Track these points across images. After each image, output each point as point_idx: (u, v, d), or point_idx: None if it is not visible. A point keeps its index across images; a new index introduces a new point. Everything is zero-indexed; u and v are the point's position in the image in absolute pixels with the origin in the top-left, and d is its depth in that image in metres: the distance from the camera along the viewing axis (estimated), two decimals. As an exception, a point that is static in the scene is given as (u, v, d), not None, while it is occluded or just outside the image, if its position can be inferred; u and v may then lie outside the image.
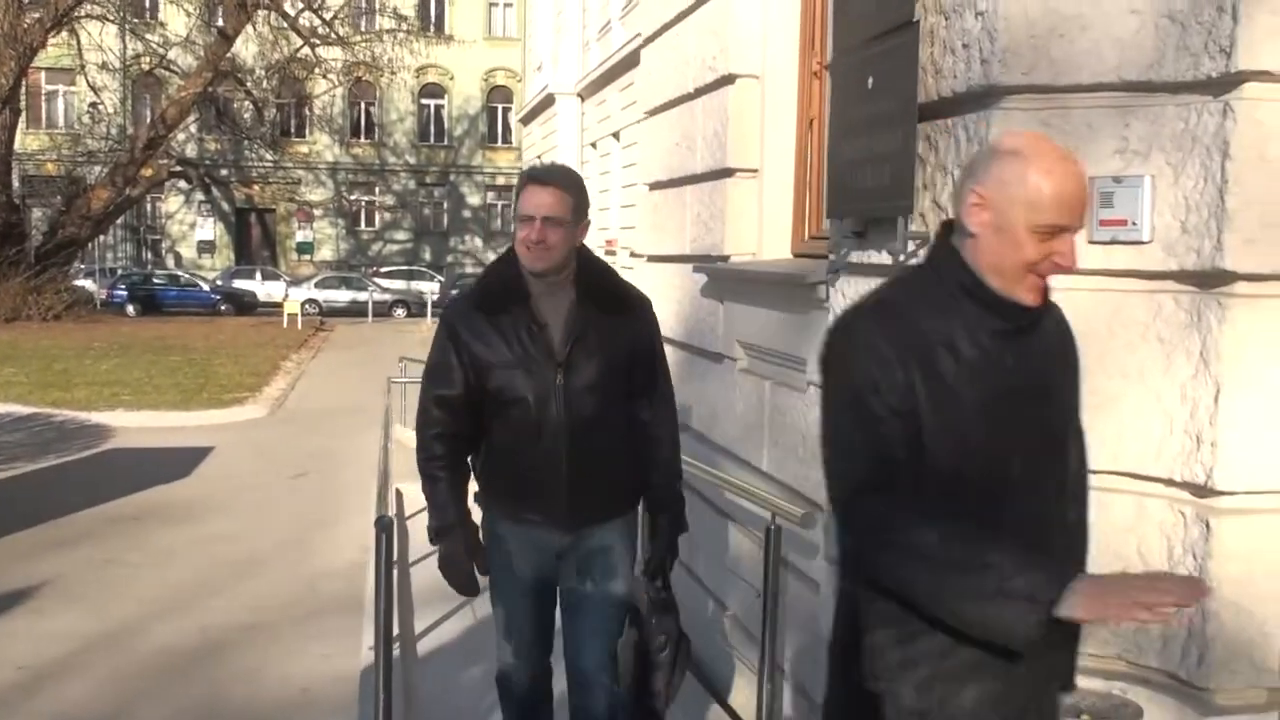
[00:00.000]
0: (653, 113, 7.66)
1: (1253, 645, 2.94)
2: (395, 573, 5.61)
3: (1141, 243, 3.06)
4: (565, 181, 3.44)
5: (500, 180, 47.65)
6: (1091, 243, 3.13)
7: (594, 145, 26.20)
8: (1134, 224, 3.06)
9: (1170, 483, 3.05)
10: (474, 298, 3.56)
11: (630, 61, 21.03)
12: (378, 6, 32.81)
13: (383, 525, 4.31)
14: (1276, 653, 2.94)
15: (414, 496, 9.35)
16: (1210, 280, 2.95)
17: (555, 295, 3.49)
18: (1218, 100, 2.92)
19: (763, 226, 6.00)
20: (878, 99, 3.71)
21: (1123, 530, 3.12)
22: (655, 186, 7.60)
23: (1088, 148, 3.12)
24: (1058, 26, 3.13)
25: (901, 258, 3.65)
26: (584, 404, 3.47)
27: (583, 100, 26.89)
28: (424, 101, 47.57)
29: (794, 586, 4.66)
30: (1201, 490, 2.97)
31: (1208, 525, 2.95)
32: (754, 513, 5.01)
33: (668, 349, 7.12)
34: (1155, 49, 3.03)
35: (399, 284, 39.55)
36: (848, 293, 4.10)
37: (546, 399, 3.44)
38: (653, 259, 7.64)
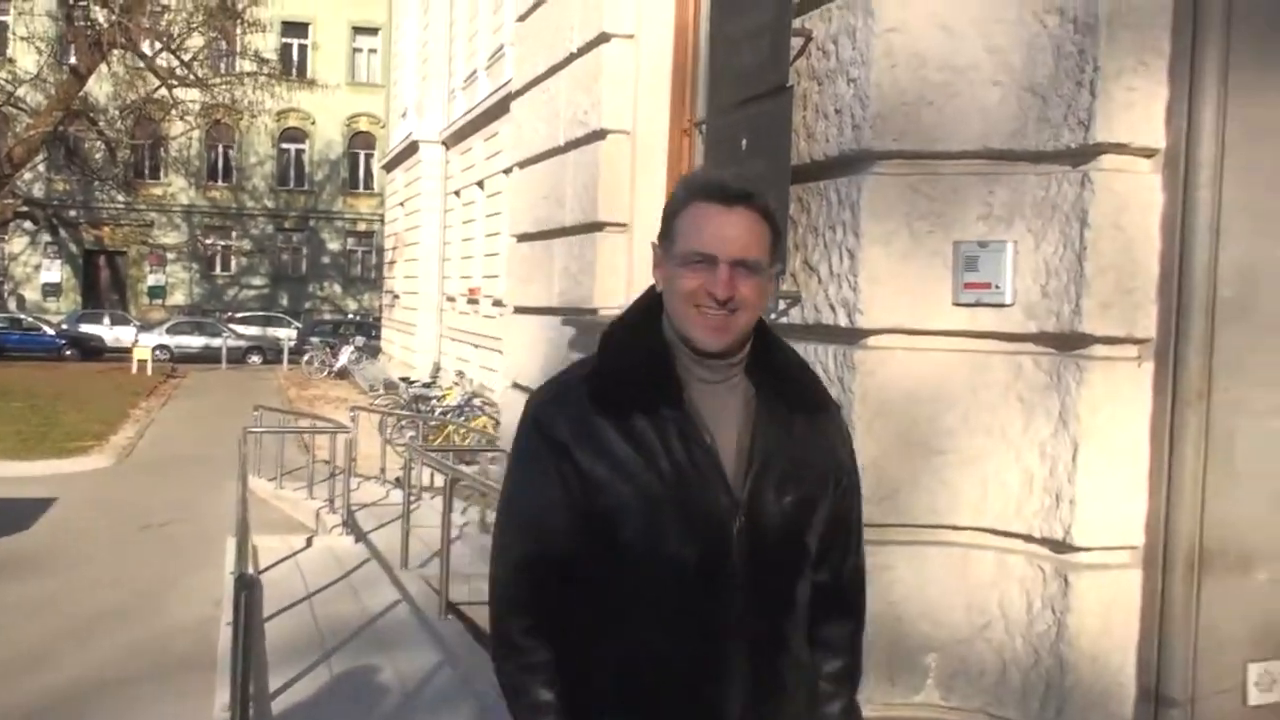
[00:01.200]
0: (522, 165, 7.67)
1: (1108, 695, 3.03)
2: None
3: (1004, 305, 3.16)
4: (762, 203, 1.99)
5: (361, 226, 47.10)
6: (956, 305, 3.22)
7: (458, 193, 26.14)
8: (997, 287, 3.16)
9: (1030, 539, 3.14)
10: (593, 385, 2.00)
11: (495, 111, 21.10)
12: (239, 49, 32.31)
13: (244, 584, 4.15)
14: (1131, 702, 3.03)
15: (269, 549, 9.16)
16: (1069, 343, 3.05)
17: (719, 387, 2.03)
18: (1077, 170, 3.04)
19: (632, 280, 6.04)
20: (751, 160, 3.77)
21: (985, 586, 3.20)
22: (523, 238, 7.60)
23: (954, 212, 3.22)
24: (927, 95, 3.23)
25: (772, 316, 3.70)
26: (776, 571, 2.04)
27: (447, 148, 26.84)
28: (284, 145, 46.86)
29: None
30: (1060, 546, 3.06)
31: (1066, 580, 3.04)
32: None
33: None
34: (1018, 119, 3.14)
35: (255, 330, 38.72)
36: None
37: (719, 562, 1.98)
38: (520, 310, 7.61)
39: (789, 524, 2.04)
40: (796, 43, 3.60)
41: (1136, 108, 2.97)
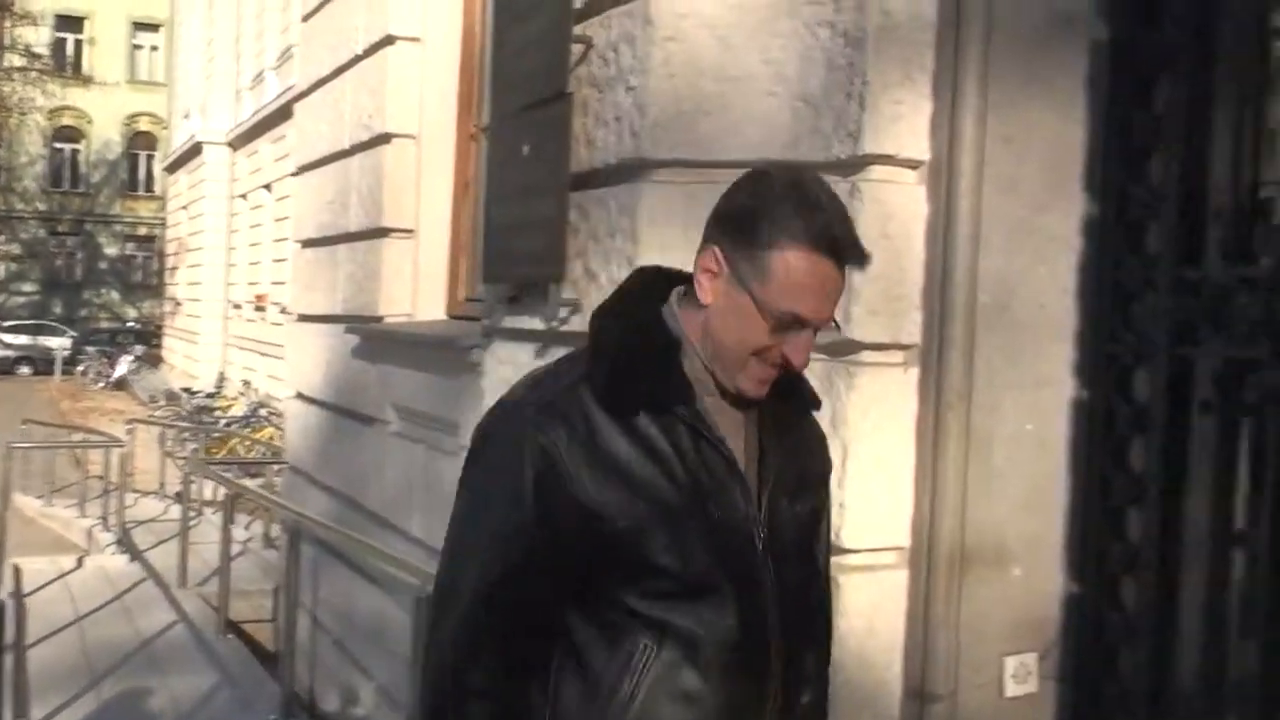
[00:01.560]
0: (305, 168, 7.49)
1: (876, 694, 3.10)
2: (11, 657, 5.15)
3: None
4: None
5: (142, 230, 45.26)
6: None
7: (244, 196, 25.41)
8: (772, 293, 3.20)
9: (805, 541, 3.20)
10: (599, 387, 1.73)
11: (284, 113, 20.57)
12: (7, 42, 30.67)
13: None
14: (897, 699, 3.11)
15: (36, 571, 8.66)
16: (840, 349, 3.12)
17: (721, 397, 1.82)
18: (847, 180, 3.10)
19: (417, 287, 5.96)
20: (532, 166, 3.75)
21: (762, 588, 3.25)
22: (308, 244, 7.42)
23: (730, 220, 3.25)
24: (703, 104, 3.26)
25: (554, 323, 3.69)
26: (797, 592, 1.84)
27: (234, 150, 26.08)
28: (58, 145, 44.65)
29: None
30: (832, 549, 3.12)
31: (836, 582, 3.10)
32: (405, 581, 4.90)
33: (317, 411, 6.99)
34: (792, 130, 3.20)
35: (24, 339, 36.75)
36: (501, 357, 4.11)
37: (753, 583, 1.76)
38: (304, 318, 7.43)
39: (803, 536, 1.86)
40: (577, 49, 3.60)
41: (902, 120, 3.06)
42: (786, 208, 1.72)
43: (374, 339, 6.00)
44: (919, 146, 3.08)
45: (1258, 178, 2.79)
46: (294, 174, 7.79)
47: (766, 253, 1.69)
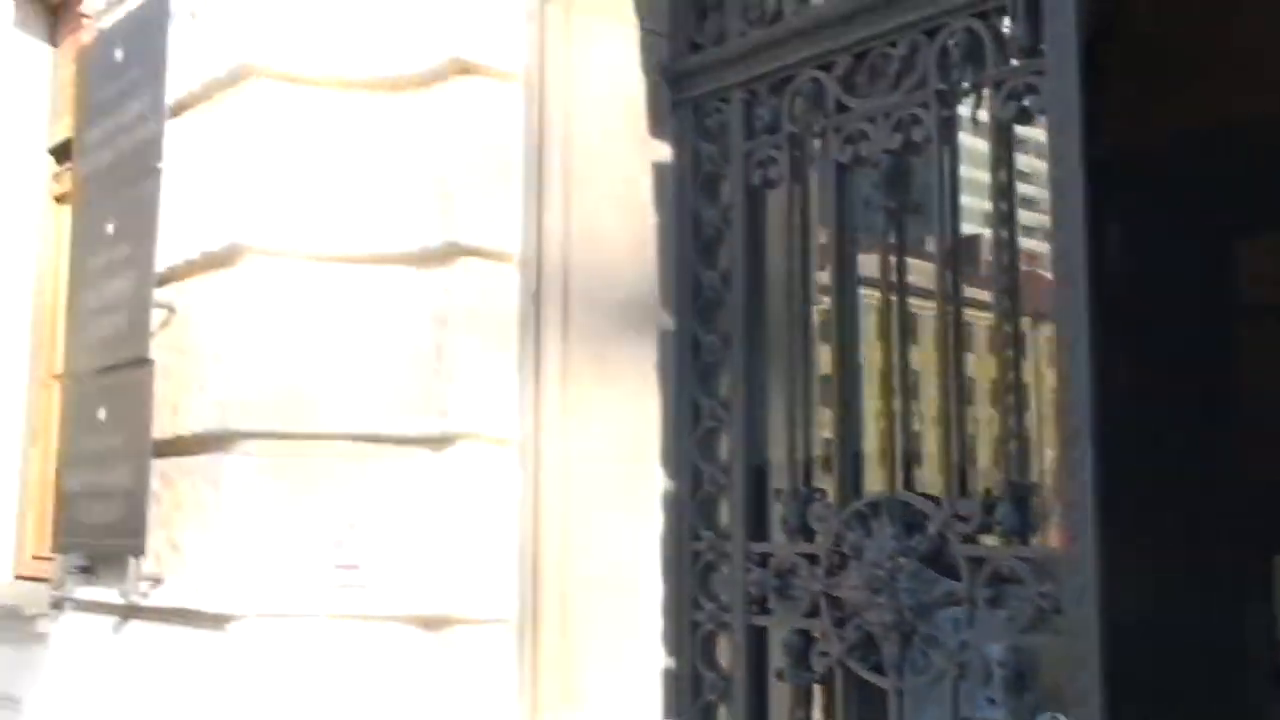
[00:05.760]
0: None
1: None
2: None
3: (371, 587, 3.19)
4: None
5: None
6: (324, 586, 3.20)
7: None
8: (364, 569, 3.19)
9: None
10: None
11: None
12: None
13: None
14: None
15: None
16: (435, 624, 3.12)
17: None
18: (438, 454, 3.17)
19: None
20: (110, 432, 3.60)
21: None
22: None
23: (319, 494, 3.23)
24: (293, 377, 3.25)
25: (134, 597, 3.49)
26: None
27: None
28: None
29: None
30: None
31: None
32: None
33: None
34: (384, 404, 3.24)
35: None
36: (74, 630, 3.84)
37: None
38: None
39: None
40: (160, 314, 3.52)
41: (490, 399, 3.18)
42: None
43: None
44: (506, 424, 3.20)
45: (810, 460, 3.07)
46: None
47: None
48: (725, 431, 3.26)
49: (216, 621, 3.22)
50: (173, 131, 3.47)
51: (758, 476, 3.19)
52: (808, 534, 3.01)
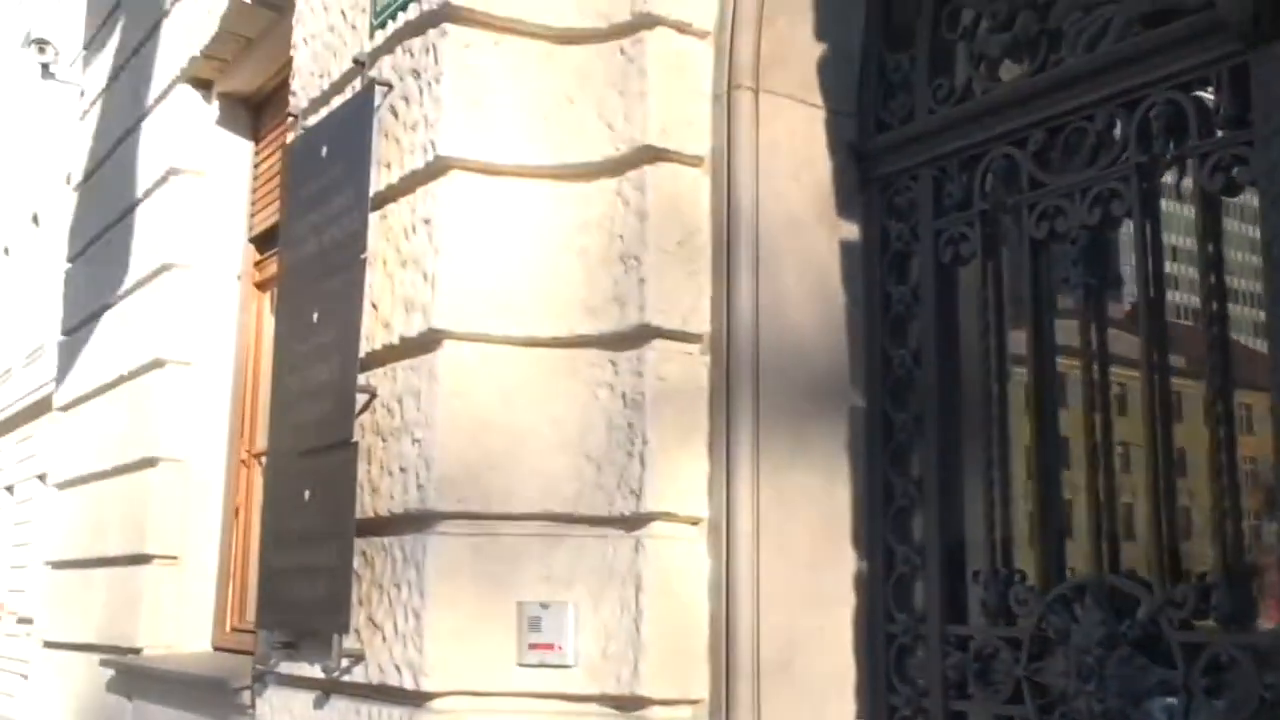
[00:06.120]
0: (63, 486, 7.18)
1: None
2: None
3: (567, 667, 3.22)
4: None
5: None
6: (521, 665, 3.25)
7: (-17, 498, 24.02)
8: (560, 648, 3.23)
9: None
10: None
11: (32, 412, 19.76)
12: None
13: None
14: None
15: None
16: (629, 704, 3.14)
17: None
18: (630, 535, 3.21)
19: (182, 617, 5.70)
20: (314, 512, 3.73)
21: None
22: (61, 565, 7.04)
23: (517, 573, 3.29)
24: (488, 459, 3.33)
25: (335, 674, 3.59)
26: None
27: (-27, 449, 24.77)
28: None
29: None
30: None
31: None
32: None
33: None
34: (575, 485, 3.30)
35: None
36: (276, 704, 3.96)
37: None
38: (51, 645, 6.97)
39: None
40: (361, 398, 3.65)
41: (682, 479, 3.20)
42: None
43: (131, 673, 5.67)
44: (698, 504, 3.22)
45: (1010, 539, 3.01)
46: (42, 477, 7.46)
47: None
48: (918, 511, 3.21)
49: (417, 699, 3.29)
50: (372, 223, 3.62)
51: (953, 557, 3.13)
52: (1009, 617, 2.94)
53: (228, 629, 5.55)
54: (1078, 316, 2.89)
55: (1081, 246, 2.82)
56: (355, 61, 3.74)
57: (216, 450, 5.80)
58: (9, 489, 21.56)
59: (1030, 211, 2.94)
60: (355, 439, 3.61)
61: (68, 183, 17.66)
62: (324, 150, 3.84)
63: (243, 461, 5.68)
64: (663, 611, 3.15)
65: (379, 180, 3.61)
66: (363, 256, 3.54)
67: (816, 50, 3.38)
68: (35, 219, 21.84)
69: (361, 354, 3.64)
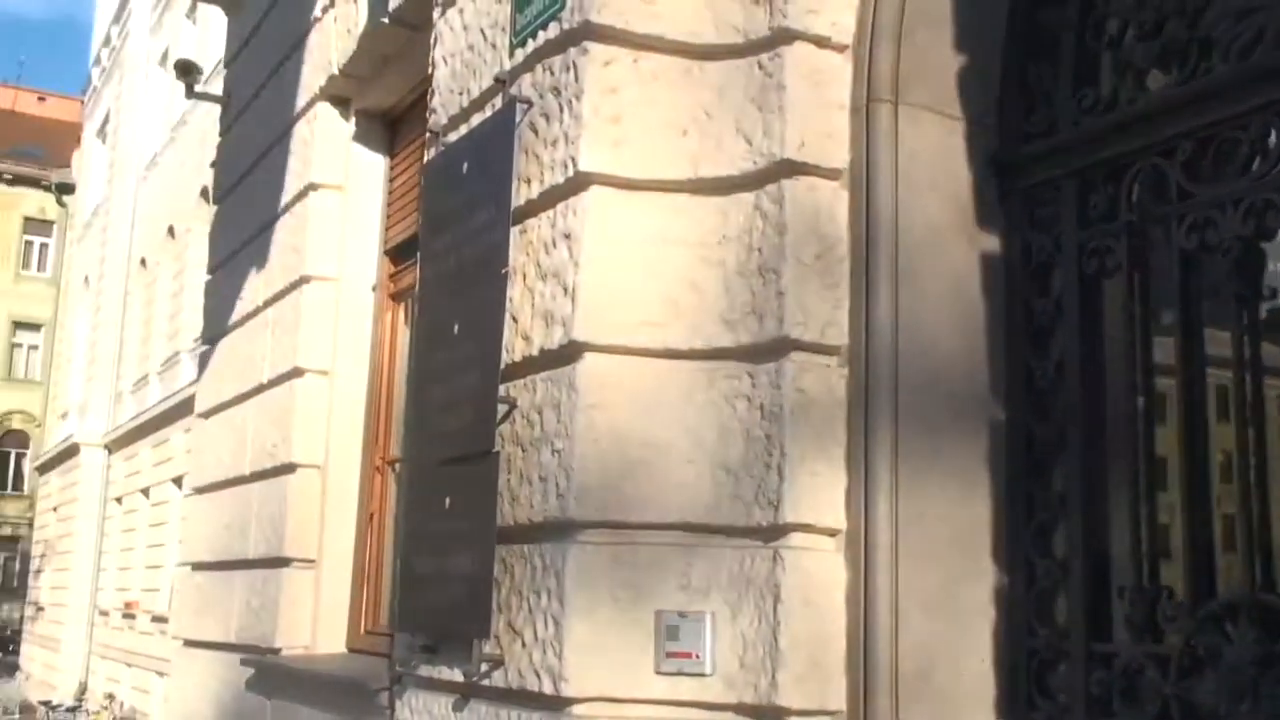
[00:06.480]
0: (201, 490, 7.42)
1: None
2: None
3: (704, 675, 3.25)
4: None
5: (6, 530, 43.59)
6: (658, 673, 3.29)
7: (119, 500, 24.81)
8: (698, 657, 3.26)
9: None
10: None
11: (168, 417, 20.41)
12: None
13: None
14: None
15: None
16: (767, 714, 3.16)
17: None
18: (768, 547, 3.22)
19: (318, 619, 5.86)
20: (455, 518, 3.81)
21: None
22: (199, 567, 7.27)
23: (655, 582, 3.33)
24: (627, 469, 3.38)
25: (474, 678, 3.66)
26: None
27: (110, 453, 25.63)
28: (-77, 440, 43.42)
29: None
30: None
31: None
32: None
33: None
34: (713, 495, 3.33)
35: None
36: (415, 706, 4.05)
37: None
38: (191, 644, 7.20)
39: None
40: (501, 409, 3.72)
41: (820, 491, 3.21)
42: None
43: (270, 673, 5.84)
44: (835, 516, 3.23)
45: (1156, 554, 2.96)
46: (177, 481, 7.72)
47: None
48: (1060, 525, 3.18)
49: (556, 704, 3.35)
50: (512, 237, 3.69)
51: (1097, 571, 3.10)
52: (1156, 633, 2.90)
53: (362, 631, 5.69)
54: (1228, 328, 2.84)
55: (1235, 257, 2.78)
56: (497, 80, 3.83)
57: (351, 457, 5.95)
58: (145, 492, 22.27)
59: (1180, 223, 2.90)
60: (496, 449, 3.68)
61: (203, 197, 18.28)
62: (465, 166, 3.93)
63: (376, 468, 5.82)
64: (801, 622, 3.16)
65: (519, 195, 3.68)
66: (504, 271, 3.62)
67: (956, 62, 3.37)
68: (171, 231, 22.59)
69: (501, 365, 3.72)
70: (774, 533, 3.22)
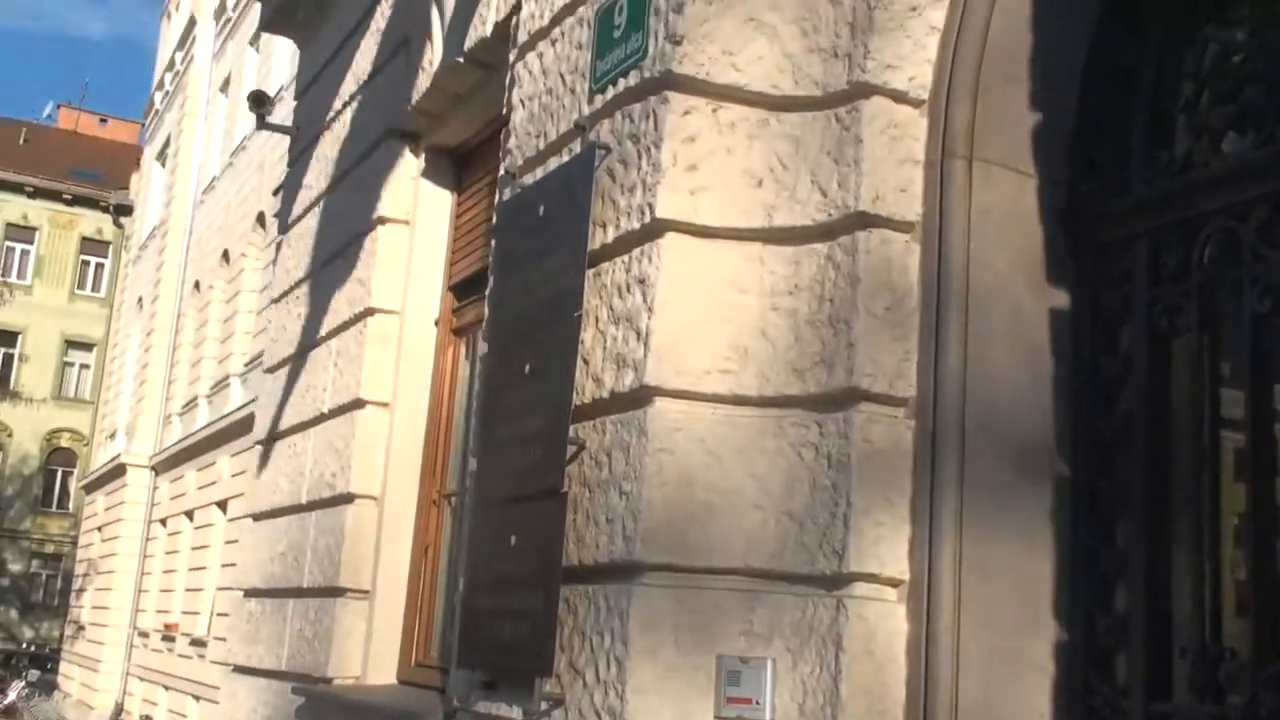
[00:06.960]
0: (258, 518, 7.51)
1: None
2: None
3: (764, 720, 3.28)
4: None
5: (49, 548, 44.01)
6: (719, 718, 3.32)
7: (164, 522, 25.04)
8: (758, 703, 3.28)
9: None
10: None
11: (214, 441, 20.62)
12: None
13: None
14: None
15: None
16: (827, 761, 3.18)
17: None
18: (831, 595, 3.25)
19: (369, 650, 5.91)
20: (519, 556, 3.86)
21: None
22: (252, 594, 7.35)
23: (717, 627, 3.36)
24: (693, 513, 3.42)
25: (534, 716, 3.70)
26: None
27: (157, 474, 25.89)
28: (-28, 456, 43.98)
29: None
30: None
31: None
32: None
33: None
34: (778, 542, 3.36)
35: (-90, 657, 35.03)
36: (472, 740, 4.09)
37: None
38: (241, 670, 7.27)
39: None
40: (569, 449, 3.77)
41: (884, 541, 3.24)
42: None
43: (321, 703, 5.89)
44: (899, 566, 3.25)
45: (1219, 614, 2.97)
46: (222, 505, 7.81)
47: None
48: (1122, 581, 3.20)
49: (617, 744, 3.38)
50: (586, 280, 3.76)
51: (1158, 629, 3.10)
52: (1217, 694, 2.91)
53: (412, 663, 5.74)
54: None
55: (1307, 322, 2.81)
56: (576, 125, 3.90)
57: (408, 489, 6.01)
58: (189, 515, 22.46)
59: (1253, 285, 2.93)
60: (565, 489, 3.73)
61: (259, 223, 18.53)
62: (541, 209, 4.00)
63: (433, 501, 5.87)
64: (862, 671, 3.18)
65: (594, 239, 3.75)
66: (578, 314, 3.68)
67: (1031, 119, 3.42)
68: (225, 256, 22.89)
69: (571, 406, 3.77)
70: (838, 581, 3.25)
